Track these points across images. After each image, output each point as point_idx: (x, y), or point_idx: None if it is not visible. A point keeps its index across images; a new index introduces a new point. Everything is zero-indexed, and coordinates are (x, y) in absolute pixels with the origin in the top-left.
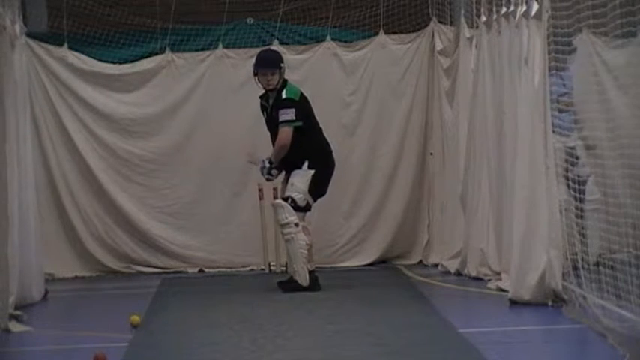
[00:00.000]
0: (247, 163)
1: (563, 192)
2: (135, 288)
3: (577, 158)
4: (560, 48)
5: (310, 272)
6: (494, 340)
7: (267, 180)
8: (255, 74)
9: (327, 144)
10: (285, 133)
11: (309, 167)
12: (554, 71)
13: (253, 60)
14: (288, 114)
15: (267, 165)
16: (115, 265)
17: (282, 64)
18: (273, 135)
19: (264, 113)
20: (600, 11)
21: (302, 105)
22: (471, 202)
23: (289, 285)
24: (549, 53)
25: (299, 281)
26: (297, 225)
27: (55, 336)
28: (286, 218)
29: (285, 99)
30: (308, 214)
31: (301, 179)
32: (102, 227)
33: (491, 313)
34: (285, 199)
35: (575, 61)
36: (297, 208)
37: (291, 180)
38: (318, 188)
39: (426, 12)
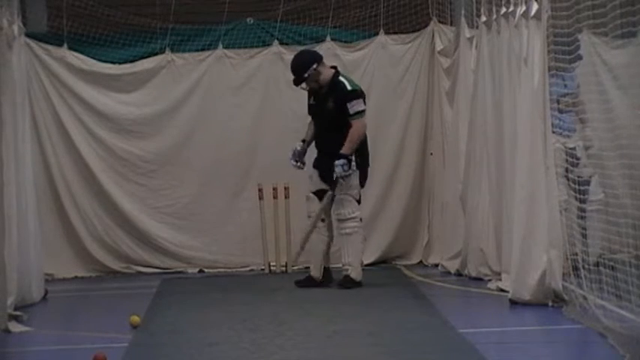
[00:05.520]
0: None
1: (564, 192)
2: (135, 288)
3: (577, 159)
4: (560, 48)
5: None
6: (494, 340)
7: (343, 177)
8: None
9: (367, 140)
10: (361, 125)
11: (357, 165)
12: (554, 71)
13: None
14: (360, 104)
15: (345, 161)
16: (114, 265)
17: (311, 67)
18: (323, 125)
19: (311, 99)
20: (600, 11)
21: (364, 96)
22: (471, 202)
23: (346, 284)
24: (549, 53)
25: (353, 276)
26: (361, 220)
27: (55, 336)
28: (353, 212)
29: (351, 91)
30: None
31: (353, 176)
32: (102, 227)
33: (492, 313)
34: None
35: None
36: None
37: (343, 180)
38: (363, 182)
39: (426, 12)
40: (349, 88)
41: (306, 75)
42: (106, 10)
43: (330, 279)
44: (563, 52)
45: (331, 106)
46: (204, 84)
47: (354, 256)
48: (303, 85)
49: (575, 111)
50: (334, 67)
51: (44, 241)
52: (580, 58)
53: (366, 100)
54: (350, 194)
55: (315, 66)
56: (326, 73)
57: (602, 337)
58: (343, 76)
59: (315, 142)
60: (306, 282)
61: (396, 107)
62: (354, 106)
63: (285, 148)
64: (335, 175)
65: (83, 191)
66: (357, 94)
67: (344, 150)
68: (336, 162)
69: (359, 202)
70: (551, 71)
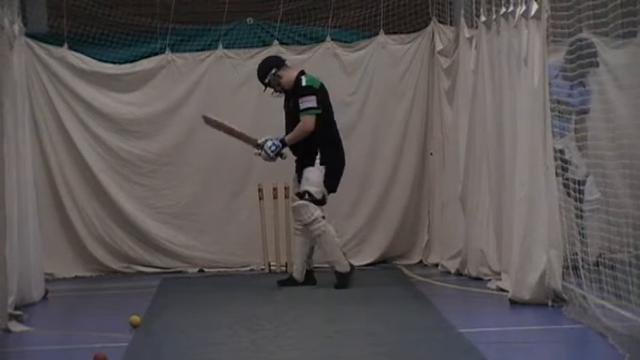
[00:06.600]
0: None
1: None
2: (135, 288)
3: (565, 162)
4: (558, 48)
5: (308, 271)
6: (494, 340)
7: (268, 157)
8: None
9: (340, 140)
10: (308, 121)
11: (321, 162)
12: (559, 73)
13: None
14: (310, 101)
15: (279, 144)
16: (115, 265)
17: (269, 73)
18: (291, 127)
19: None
20: (601, 11)
21: (321, 94)
22: (471, 202)
23: (341, 282)
24: (548, 53)
25: (341, 271)
26: (323, 217)
27: (55, 336)
28: (312, 215)
29: (305, 87)
30: (324, 208)
31: (315, 173)
32: (102, 227)
33: (491, 313)
34: (302, 195)
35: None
36: (314, 201)
37: (305, 175)
38: (330, 183)
39: (426, 12)
40: (303, 84)
41: (266, 80)
42: (106, 10)
43: (312, 281)
44: (579, 57)
45: (292, 106)
46: (204, 84)
47: (332, 253)
48: (271, 91)
49: (567, 119)
50: (301, 71)
51: (44, 241)
52: (596, 65)
53: (366, 100)
54: (308, 190)
55: (273, 71)
56: (288, 76)
57: (602, 337)
58: (308, 74)
59: (289, 146)
60: (288, 282)
61: (396, 107)
62: (305, 102)
63: (285, 149)
64: (261, 147)
65: (83, 191)
66: (311, 90)
67: (286, 137)
68: (271, 140)
69: (321, 201)
70: (574, 81)
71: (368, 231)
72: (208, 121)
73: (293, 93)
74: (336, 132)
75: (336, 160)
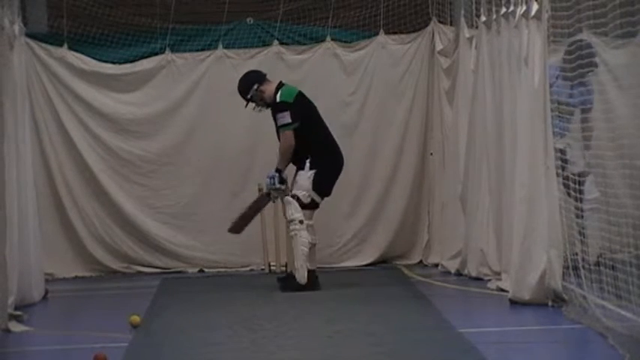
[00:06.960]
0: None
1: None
2: (135, 288)
3: (565, 162)
4: (558, 48)
5: (310, 271)
6: (494, 340)
7: (278, 190)
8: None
9: (332, 142)
10: (286, 137)
11: (311, 167)
12: (559, 74)
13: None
14: (284, 117)
15: (276, 173)
16: (115, 265)
17: (251, 88)
18: (279, 139)
19: None
20: (600, 11)
21: (298, 105)
22: (471, 202)
23: (289, 285)
24: (549, 53)
25: (297, 279)
26: (301, 222)
27: (55, 336)
28: (292, 214)
29: (279, 103)
30: (316, 211)
31: (304, 177)
32: (102, 227)
33: (491, 313)
34: (293, 197)
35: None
36: (301, 205)
37: (296, 179)
38: (321, 186)
39: (426, 12)
40: (278, 100)
41: (249, 96)
42: (106, 10)
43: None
44: (578, 57)
45: (274, 120)
46: (204, 84)
47: (297, 259)
48: (253, 106)
49: (567, 119)
50: (280, 83)
51: (44, 241)
52: (595, 65)
53: (366, 100)
54: (296, 195)
55: (256, 87)
56: (269, 90)
57: (602, 337)
58: (284, 87)
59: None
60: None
61: (396, 107)
62: (279, 119)
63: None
64: (266, 187)
65: (83, 191)
66: (284, 105)
67: (277, 164)
68: (268, 178)
69: (310, 206)
70: (574, 81)
71: (368, 231)
72: (232, 229)
73: (272, 106)
74: (327, 136)
75: (328, 164)
